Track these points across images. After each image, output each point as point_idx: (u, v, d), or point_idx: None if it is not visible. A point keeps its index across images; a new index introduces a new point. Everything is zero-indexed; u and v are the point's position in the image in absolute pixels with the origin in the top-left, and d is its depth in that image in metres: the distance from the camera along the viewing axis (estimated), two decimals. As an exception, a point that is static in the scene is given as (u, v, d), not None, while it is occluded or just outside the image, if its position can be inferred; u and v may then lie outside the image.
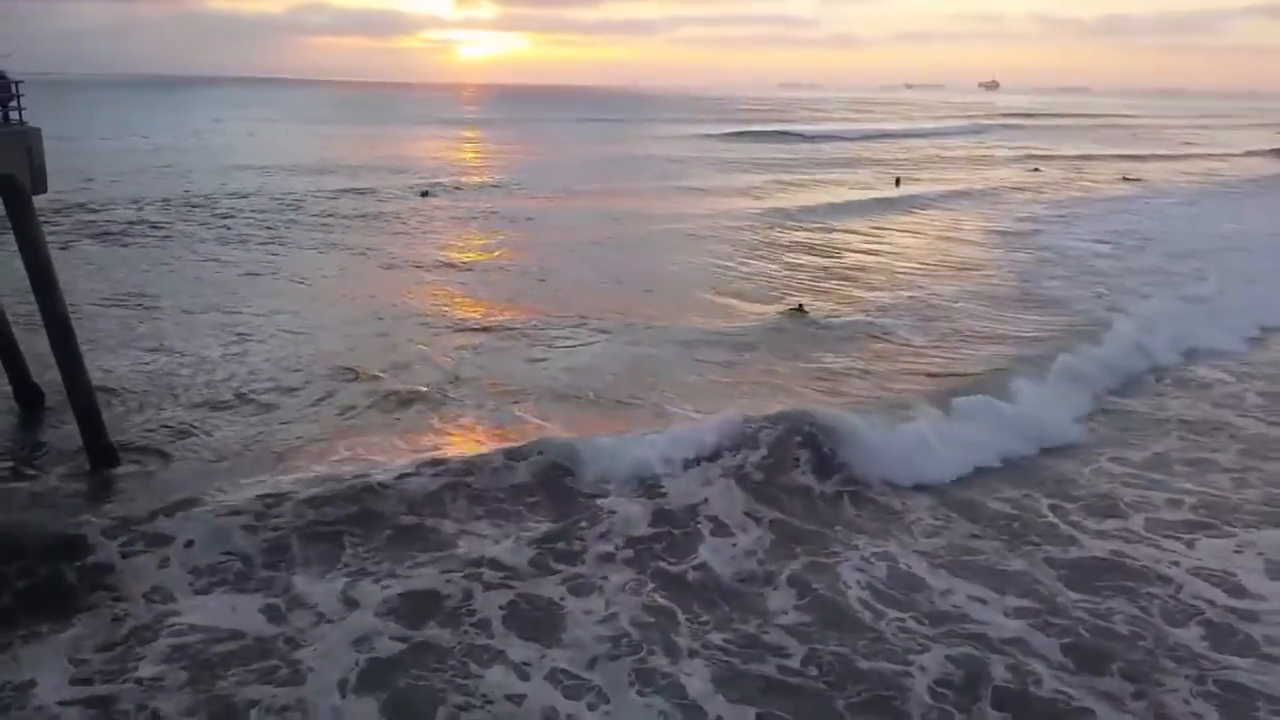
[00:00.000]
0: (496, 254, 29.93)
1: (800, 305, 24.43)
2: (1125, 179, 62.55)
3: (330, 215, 36.41)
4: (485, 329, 20.62)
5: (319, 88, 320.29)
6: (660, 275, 27.14)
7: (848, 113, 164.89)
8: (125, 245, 29.01)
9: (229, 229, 32.52)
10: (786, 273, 27.92)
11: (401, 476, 12.35)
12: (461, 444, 14.00)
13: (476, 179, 50.49)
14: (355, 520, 11.63)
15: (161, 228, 32.03)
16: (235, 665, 9.26)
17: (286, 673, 9.17)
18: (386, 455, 13.34)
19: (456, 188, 46.38)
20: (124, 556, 10.68)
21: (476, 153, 72.44)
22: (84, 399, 13.33)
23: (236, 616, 9.98)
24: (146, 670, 9.15)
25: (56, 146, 13.44)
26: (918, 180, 57.20)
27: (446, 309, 22.38)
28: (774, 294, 24.83)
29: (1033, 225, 38.69)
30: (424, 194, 44.19)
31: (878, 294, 25.34)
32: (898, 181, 57.08)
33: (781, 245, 32.38)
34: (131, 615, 9.94)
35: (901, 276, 27.89)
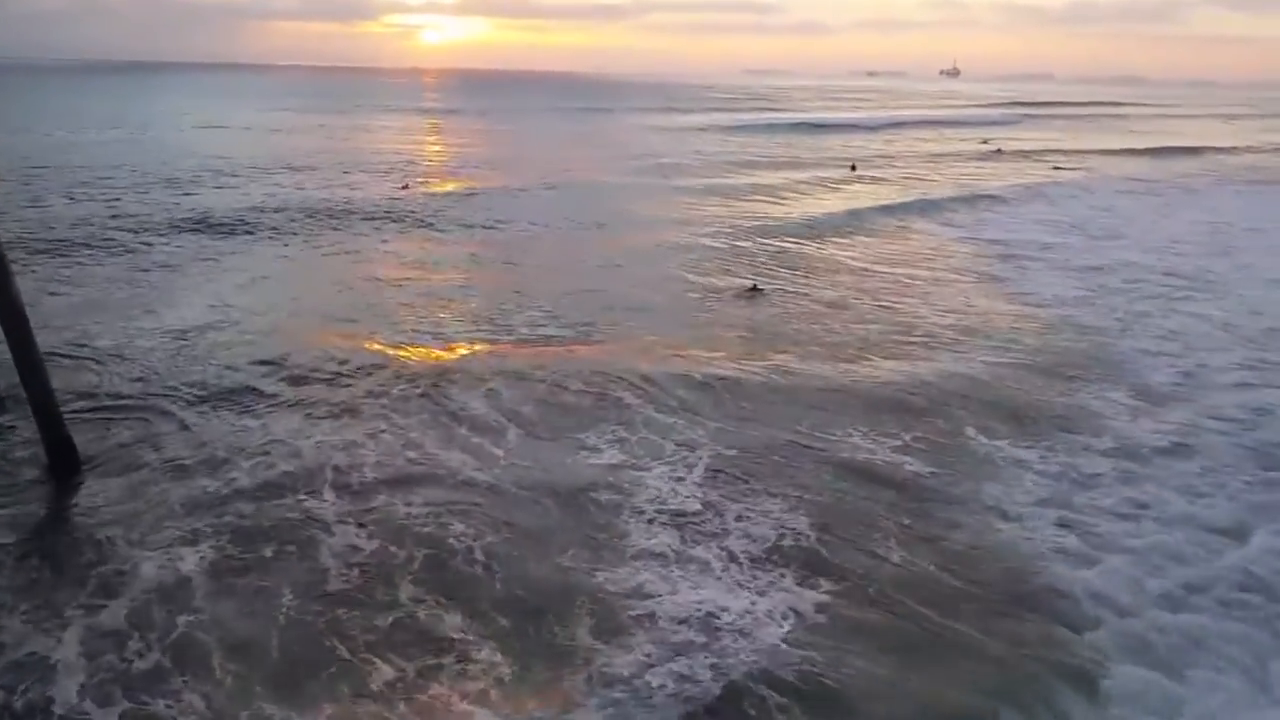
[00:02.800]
0: (464, 271, 27.31)
1: (755, 285, 24.19)
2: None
3: (282, 223, 33.20)
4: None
5: (281, 73, 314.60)
6: (645, 302, 23.84)
7: (830, 100, 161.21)
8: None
9: (180, 242, 29.68)
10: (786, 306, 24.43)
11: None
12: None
13: (446, 181, 47.83)
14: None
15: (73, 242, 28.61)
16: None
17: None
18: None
19: (429, 191, 43.45)
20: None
21: (444, 145, 70.79)
22: (42, 396, 13.02)
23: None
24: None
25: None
26: (978, 176, 54.40)
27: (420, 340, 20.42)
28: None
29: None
30: (404, 186, 43.60)
31: (917, 351, 20.51)
32: (853, 167, 55.60)
33: (775, 261, 29.23)
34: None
35: (946, 334, 21.92)
